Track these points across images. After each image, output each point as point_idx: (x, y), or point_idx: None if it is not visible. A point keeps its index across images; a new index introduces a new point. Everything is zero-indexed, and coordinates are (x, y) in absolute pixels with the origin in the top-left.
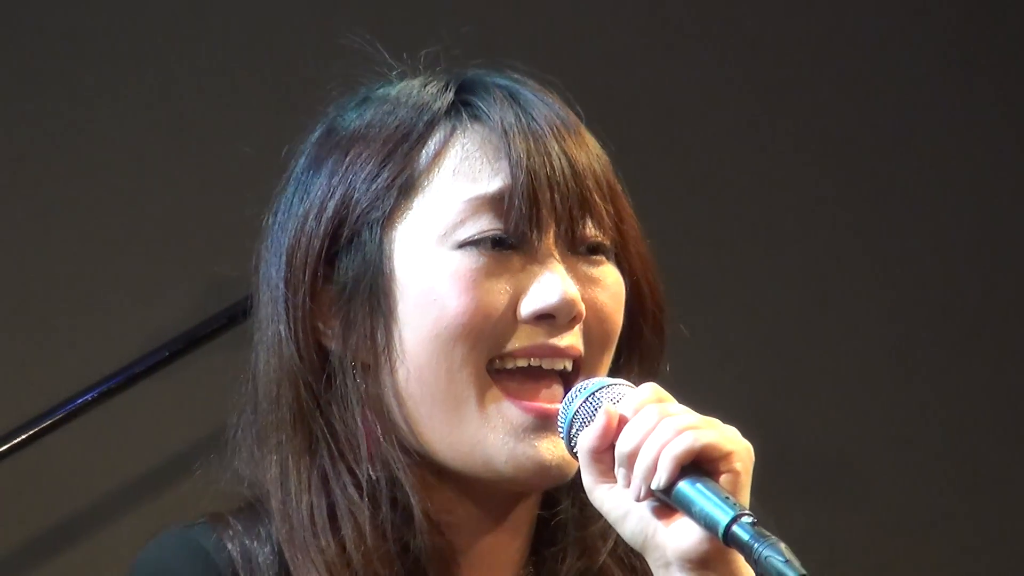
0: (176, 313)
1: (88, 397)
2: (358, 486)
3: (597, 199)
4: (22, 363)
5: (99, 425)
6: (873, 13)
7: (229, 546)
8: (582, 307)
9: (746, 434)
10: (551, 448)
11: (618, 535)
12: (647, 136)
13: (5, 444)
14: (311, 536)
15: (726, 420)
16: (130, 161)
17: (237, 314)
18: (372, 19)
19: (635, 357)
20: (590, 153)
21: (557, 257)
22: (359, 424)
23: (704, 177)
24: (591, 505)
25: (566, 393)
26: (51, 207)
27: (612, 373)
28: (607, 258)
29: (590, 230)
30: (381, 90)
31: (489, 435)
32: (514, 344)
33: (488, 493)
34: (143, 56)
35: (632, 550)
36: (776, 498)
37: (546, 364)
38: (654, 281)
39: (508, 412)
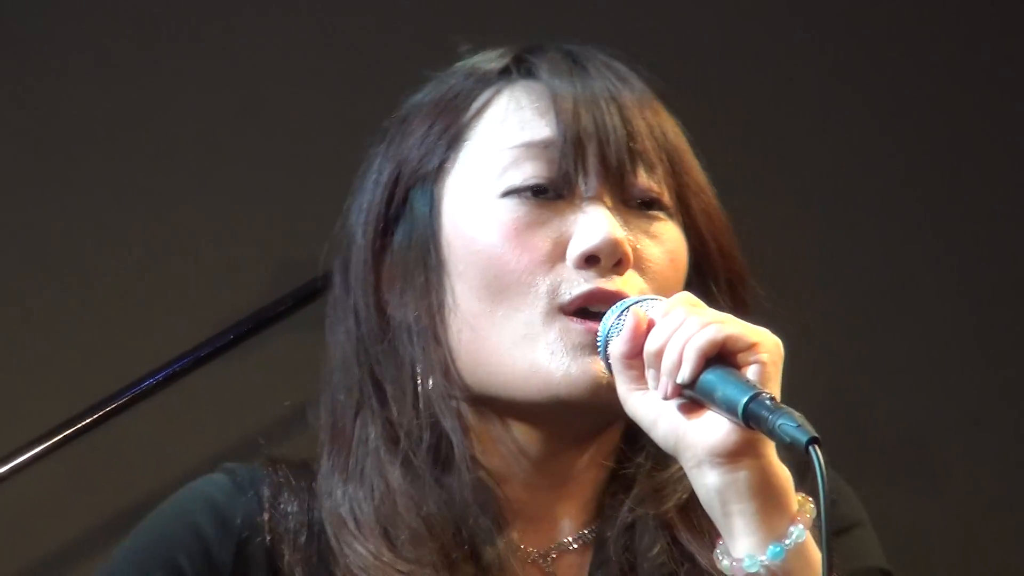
0: (242, 296)
1: (155, 380)
2: (395, 440)
3: (650, 150)
4: (89, 345)
5: (166, 408)
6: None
7: (265, 492)
8: (627, 249)
9: (823, 417)
10: (603, 365)
11: (691, 491)
12: (727, 122)
13: (73, 426)
14: (347, 495)
15: (803, 404)
16: (198, 144)
17: (303, 296)
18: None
19: None
20: (652, 118)
21: (608, 204)
22: (408, 381)
23: (780, 158)
24: (668, 456)
25: None
26: (119, 190)
27: None
28: (667, 216)
29: (642, 181)
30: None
31: (547, 358)
32: (567, 293)
33: (545, 440)
34: (214, 40)
35: (704, 513)
36: (854, 482)
37: (602, 308)
38: (727, 246)
39: (569, 331)
